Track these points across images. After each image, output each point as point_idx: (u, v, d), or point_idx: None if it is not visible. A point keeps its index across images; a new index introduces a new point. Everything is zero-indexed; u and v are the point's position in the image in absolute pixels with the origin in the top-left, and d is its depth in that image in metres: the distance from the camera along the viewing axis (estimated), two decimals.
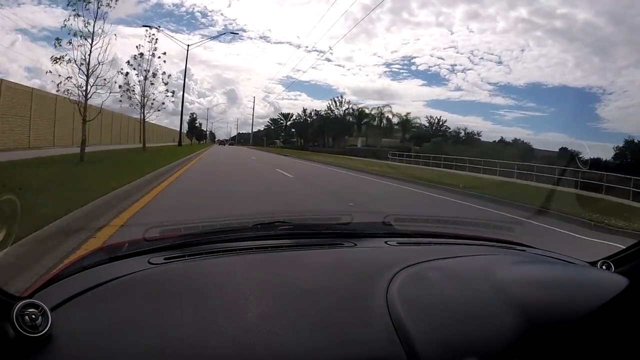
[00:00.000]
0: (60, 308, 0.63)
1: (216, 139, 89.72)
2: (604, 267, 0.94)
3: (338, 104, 55.11)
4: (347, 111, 53.75)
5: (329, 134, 54.57)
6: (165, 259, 0.85)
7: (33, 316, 0.54)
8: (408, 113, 49.72)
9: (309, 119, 61.27)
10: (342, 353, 0.59)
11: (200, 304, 0.68)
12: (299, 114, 64.83)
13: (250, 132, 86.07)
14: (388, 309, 0.68)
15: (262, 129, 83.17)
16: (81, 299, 0.67)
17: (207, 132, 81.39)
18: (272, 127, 78.33)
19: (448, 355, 0.59)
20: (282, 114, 74.90)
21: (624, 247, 0.95)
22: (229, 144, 79.83)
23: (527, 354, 0.62)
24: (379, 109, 48.90)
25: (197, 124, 58.65)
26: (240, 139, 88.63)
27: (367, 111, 51.16)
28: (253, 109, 79.78)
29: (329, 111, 55.35)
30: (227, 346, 0.58)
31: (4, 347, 0.52)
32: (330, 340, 0.61)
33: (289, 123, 72.43)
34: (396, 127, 47.78)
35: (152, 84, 19.30)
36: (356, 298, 0.72)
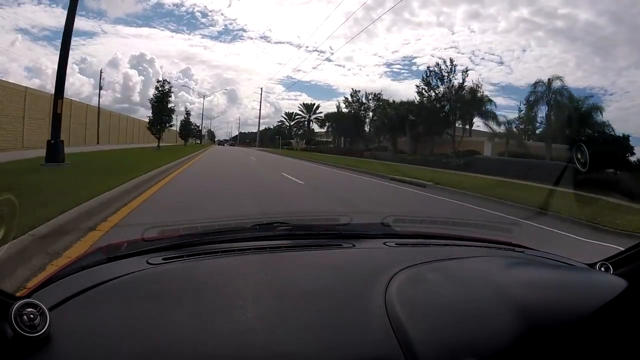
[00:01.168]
0: (59, 308, 0.63)
1: (216, 139, 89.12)
2: (602, 268, 0.95)
3: (446, 75, 26.74)
4: (460, 90, 26.16)
5: (416, 128, 28.40)
6: (163, 259, 0.85)
7: (31, 316, 0.54)
8: (589, 95, 25.16)
9: (361, 107, 37.33)
10: (341, 354, 0.59)
11: (199, 304, 0.68)
12: (346, 98, 39.42)
13: (253, 130, 76.18)
14: (386, 310, 0.68)
15: (264, 128, 71.66)
16: (80, 298, 0.67)
17: (202, 129, 68.20)
18: (287, 124, 62.29)
19: (446, 356, 0.59)
20: (305, 105, 57.70)
21: (623, 249, 0.95)
22: (230, 144, 75.46)
23: (525, 355, 0.62)
24: (556, 76, 21.65)
25: (182, 114, 37.81)
26: (245, 139, 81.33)
27: (480, 92, 25.58)
28: (260, 102, 65.55)
29: (425, 90, 27.55)
30: (225, 346, 0.58)
31: (3, 347, 0.52)
32: (328, 341, 0.61)
33: (314, 117, 54.69)
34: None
35: None
36: (355, 299, 0.72)
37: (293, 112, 63.90)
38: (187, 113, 40.02)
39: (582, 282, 0.83)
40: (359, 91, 38.89)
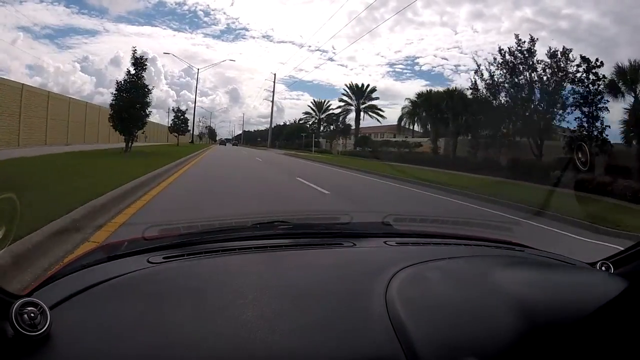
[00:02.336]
0: (59, 307, 0.63)
1: (217, 138, 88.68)
2: (603, 268, 0.94)
3: None
4: None
5: None
6: (164, 258, 0.85)
7: (32, 315, 0.54)
8: None
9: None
10: (341, 353, 0.59)
11: (199, 303, 0.68)
12: (497, 59, 16.84)
13: (260, 128, 65.01)
14: (387, 309, 0.68)
15: (275, 125, 57.67)
16: (80, 297, 0.67)
17: (199, 126, 58.10)
18: (315, 116, 44.17)
19: (447, 356, 0.59)
20: (351, 89, 38.11)
21: (623, 248, 0.95)
22: (233, 144, 72.49)
23: (525, 354, 0.62)
24: None
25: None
26: (253, 138, 73.13)
27: None
28: (273, 91, 50.73)
29: None
30: (226, 346, 0.58)
31: (3, 345, 0.52)
32: (329, 340, 0.61)
33: (369, 104, 37.35)
34: None
35: None
36: (355, 298, 0.72)
37: (324, 101, 44.95)
38: (178, 110, 30.17)
39: (583, 281, 0.83)
40: (528, 41, 16.99)
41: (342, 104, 39.90)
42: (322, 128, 44.46)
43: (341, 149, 37.59)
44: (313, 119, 46.37)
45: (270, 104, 51.17)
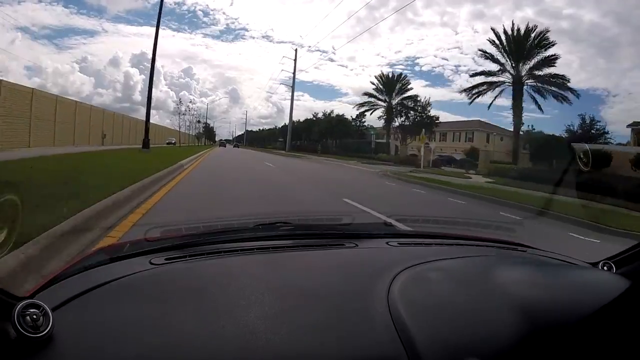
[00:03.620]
0: (62, 308, 0.63)
1: (217, 139, 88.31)
2: (605, 267, 0.94)
3: None
4: None
5: None
6: (166, 259, 0.86)
7: (34, 316, 0.54)
8: None
9: None
10: (344, 354, 0.59)
11: (202, 304, 0.68)
12: None
13: (265, 127, 57.33)
14: (389, 309, 0.68)
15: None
16: (82, 299, 0.67)
17: (188, 119, 42.40)
18: (387, 101, 28.07)
19: (449, 356, 0.59)
20: (512, 38, 19.11)
21: (626, 248, 0.95)
22: (234, 146, 71.50)
23: (528, 354, 0.62)
24: None
25: None
26: (277, 139, 60.90)
27: None
28: (294, 73, 40.08)
29: None
30: (228, 347, 0.58)
31: (5, 347, 0.52)
32: (331, 340, 0.61)
33: None
34: None
35: None
36: (357, 298, 0.72)
37: (398, 75, 27.54)
38: None
39: (585, 281, 0.83)
40: None
41: (494, 67, 19.90)
42: (393, 119, 28.15)
43: (429, 153, 20.65)
44: (376, 106, 28.46)
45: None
